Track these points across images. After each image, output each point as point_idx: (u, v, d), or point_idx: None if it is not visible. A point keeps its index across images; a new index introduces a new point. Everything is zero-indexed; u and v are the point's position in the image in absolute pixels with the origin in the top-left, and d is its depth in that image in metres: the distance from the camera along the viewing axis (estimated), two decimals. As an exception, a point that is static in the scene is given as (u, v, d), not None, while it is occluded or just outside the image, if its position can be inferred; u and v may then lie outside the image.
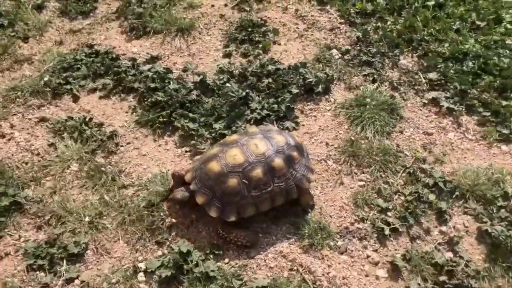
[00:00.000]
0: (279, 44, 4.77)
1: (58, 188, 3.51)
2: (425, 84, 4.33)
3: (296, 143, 3.33)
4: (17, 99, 4.18)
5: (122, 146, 3.86)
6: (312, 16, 5.07)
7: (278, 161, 3.16)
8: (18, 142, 3.86)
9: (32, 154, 3.76)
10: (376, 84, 4.30)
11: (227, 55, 4.64)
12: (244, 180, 3.10)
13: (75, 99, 4.25)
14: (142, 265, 3.07)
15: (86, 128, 3.90)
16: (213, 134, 3.84)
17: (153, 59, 4.58)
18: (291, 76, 4.24)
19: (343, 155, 3.75)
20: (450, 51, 4.53)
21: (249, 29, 4.82)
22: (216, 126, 3.89)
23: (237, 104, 4.04)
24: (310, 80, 4.20)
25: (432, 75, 4.38)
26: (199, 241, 3.21)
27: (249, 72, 4.32)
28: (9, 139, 3.87)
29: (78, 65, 4.48)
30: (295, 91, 4.13)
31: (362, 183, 3.58)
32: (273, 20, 5.04)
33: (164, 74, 4.32)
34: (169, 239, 3.21)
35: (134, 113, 4.11)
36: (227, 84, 4.19)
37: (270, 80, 4.24)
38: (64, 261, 3.08)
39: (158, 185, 3.47)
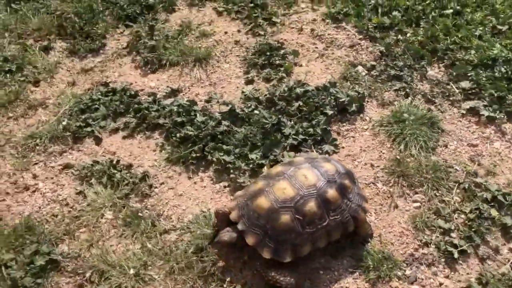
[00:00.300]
0: (301, 66, 4.61)
1: (94, 240, 3.25)
2: (459, 94, 4.18)
3: (346, 170, 3.13)
4: (37, 147, 3.93)
5: (156, 187, 3.62)
6: (329, 34, 4.93)
7: (332, 192, 2.94)
8: (44, 193, 3.61)
9: (61, 205, 3.51)
10: (409, 98, 4.15)
11: (250, 82, 4.46)
12: (297, 216, 2.87)
13: (98, 141, 4.01)
14: (200, 318, 2.80)
15: (115, 171, 3.66)
16: (250, 166, 3.63)
17: (174, 92, 4.38)
18: (322, 97, 4.06)
19: (392, 176, 3.55)
20: (478, 58, 4.40)
21: (268, 53, 4.66)
22: (252, 156, 3.68)
23: (270, 132, 3.84)
24: (343, 99, 4.02)
25: (465, 84, 4.23)
26: (256, 285, 2.95)
27: (276, 96, 4.14)
28: (34, 191, 3.62)
29: (96, 105, 4.25)
30: (329, 112, 3.95)
31: (417, 204, 3.37)
32: (290, 42, 4.89)
33: (188, 107, 4.12)
34: (224, 286, 2.95)
35: (163, 151, 3.89)
36: (256, 111, 4.00)
37: (301, 103, 4.06)
38: (114, 322, 2.81)
39: (202, 226, 3.23)
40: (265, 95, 4.21)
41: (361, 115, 4.06)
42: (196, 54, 4.69)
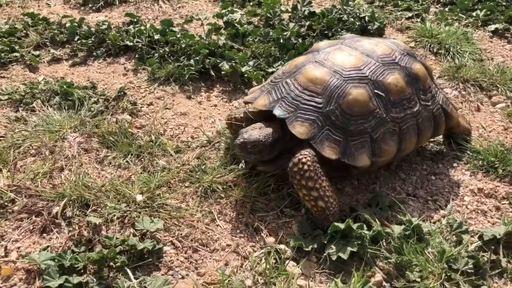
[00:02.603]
0: (287, 3, 3.76)
1: (56, 168, 1.87)
2: (476, 21, 3.63)
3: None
4: None
5: (142, 106, 2.37)
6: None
7: (420, 66, 1.98)
8: (-51, 122, 2.15)
9: (-17, 134, 2.07)
10: (428, 23, 3.48)
11: (231, 13, 3.47)
12: (377, 91, 1.81)
13: (33, 70, 2.69)
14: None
15: (72, 90, 2.34)
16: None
17: (135, 23, 3.21)
18: (339, 12, 3.22)
19: (454, 81, 2.78)
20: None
21: (244, -9, 3.76)
22: (273, 70, 2.65)
23: (286, 46, 2.86)
24: (363, 15, 3.22)
25: (477, 13, 3.72)
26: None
27: (278, 18, 3.21)
28: None
29: (24, 32, 2.93)
30: (356, 23, 3.12)
31: (502, 104, 2.61)
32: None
33: (165, 26, 2.99)
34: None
35: (139, 74, 2.67)
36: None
37: (312, 22, 3.17)
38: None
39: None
40: (261, 18, 3.27)
41: (384, 36, 3.28)
42: (155, -12, 3.62)
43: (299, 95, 1.78)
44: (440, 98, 2.06)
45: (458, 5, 3.87)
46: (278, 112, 1.77)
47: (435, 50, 3.08)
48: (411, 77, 1.92)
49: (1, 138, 2.06)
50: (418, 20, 3.57)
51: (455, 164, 2.12)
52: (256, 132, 1.76)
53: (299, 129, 1.72)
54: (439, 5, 4.00)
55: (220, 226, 1.70)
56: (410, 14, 3.63)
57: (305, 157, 1.64)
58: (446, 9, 3.85)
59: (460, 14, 3.73)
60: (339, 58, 1.87)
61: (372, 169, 1.90)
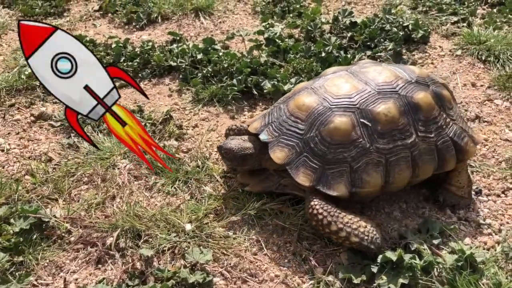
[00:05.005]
0: (328, 13, 3.72)
1: (108, 196, 1.93)
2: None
3: (443, 82, 2.07)
4: (-12, 101, 2.60)
5: (188, 129, 2.41)
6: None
7: (423, 96, 1.84)
8: (8, 150, 2.26)
9: (39, 162, 2.17)
10: (475, 28, 3.35)
11: (271, 27, 3.47)
12: (363, 120, 1.76)
13: (82, 92, 2.75)
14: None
15: (121, 115, 2.41)
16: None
17: (178, 41, 3.26)
18: (382, 22, 3.16)
19: (506, 91, 2.66)
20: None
21: (284, 2, 3.75)
22: (316, 86, 2.62)
23: (328, 60, 2.83)
24: (406, 24, 3.15)
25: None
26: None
27: (318, 30, 3.18)
28: (-10, 149, 2.26)
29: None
30: (400, 33, 3.05)
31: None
32: (305, -4, 4.03)
33: (207, 45, 3.03)
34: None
35: (184, 94, 2.72)
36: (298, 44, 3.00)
37: (354, 33, 3.12)
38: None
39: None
40: (302, 31, 3.26)
41: (429, 44, 3.19)
42: (195, 4, 3.67)
43: (285, 121, 1.84)
44: (451, 130, 1.88)
45: (507, 5, 3.72)
46: (263, 136, 1.86)
47: (483, 58, 2.97)
48: (410, 107, 1.82)
49: (56, 166, 2.15)
50: (465, 24, 3.45)
51: (508, 184, 2.05)
52: (236, 142, 1.90)
53: (277, 154, 1.78)
54: (487, 5, 3.85)
55: (268, 256, 1.71)
56: (455, 19, 3.51)
57: (314, 208, 1.66)
58: (495, 10, 3.70)
59: (509, 16, 3.57)
60: (334, 85, 1.86)
61: (356, 199, 1.81)
